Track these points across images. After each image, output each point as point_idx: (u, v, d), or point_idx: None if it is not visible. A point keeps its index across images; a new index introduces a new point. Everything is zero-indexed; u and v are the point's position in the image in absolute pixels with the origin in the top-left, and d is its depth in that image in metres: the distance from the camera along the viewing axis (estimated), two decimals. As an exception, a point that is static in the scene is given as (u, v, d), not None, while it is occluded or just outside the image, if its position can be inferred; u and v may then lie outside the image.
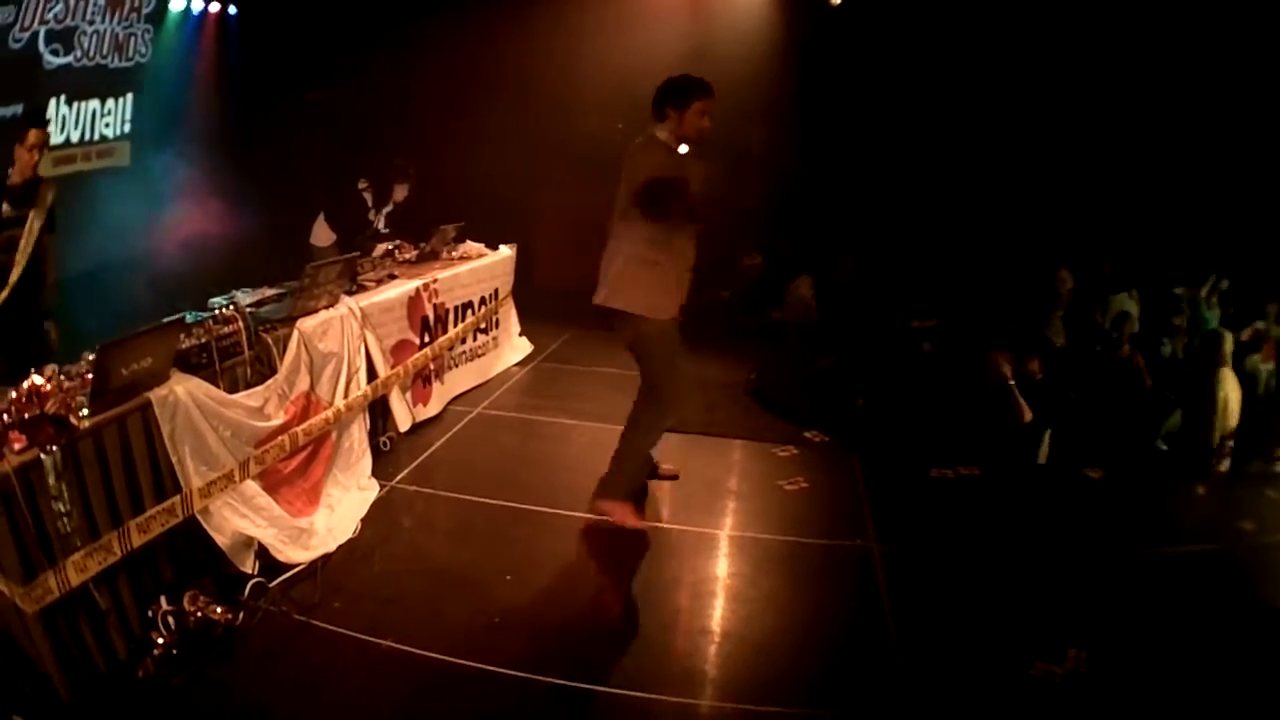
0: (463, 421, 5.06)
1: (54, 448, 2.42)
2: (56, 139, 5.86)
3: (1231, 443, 4.87)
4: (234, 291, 3.78)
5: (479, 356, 5.73)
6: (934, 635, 3.08)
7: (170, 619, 2.74)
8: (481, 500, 4.00)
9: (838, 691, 2.79)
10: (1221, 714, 2.73)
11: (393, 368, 4.48)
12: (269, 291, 3.90)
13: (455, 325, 5.29)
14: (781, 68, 7.49)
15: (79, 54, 5.92)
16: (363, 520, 3.74)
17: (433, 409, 5.03)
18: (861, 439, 4.90)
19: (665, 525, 3.86)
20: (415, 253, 5.38)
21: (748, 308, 7.42)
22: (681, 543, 3.73)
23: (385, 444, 4.46)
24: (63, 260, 4.34)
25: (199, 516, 2.97)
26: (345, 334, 4.02)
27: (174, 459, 2.88)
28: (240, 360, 3.41)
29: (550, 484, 4.15)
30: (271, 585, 3.16)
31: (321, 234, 6.22)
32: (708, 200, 3.58)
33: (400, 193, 6.32)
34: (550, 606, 3.22)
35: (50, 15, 5.62)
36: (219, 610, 2.85)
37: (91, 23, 5.97)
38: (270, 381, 3.44)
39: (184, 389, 2.93)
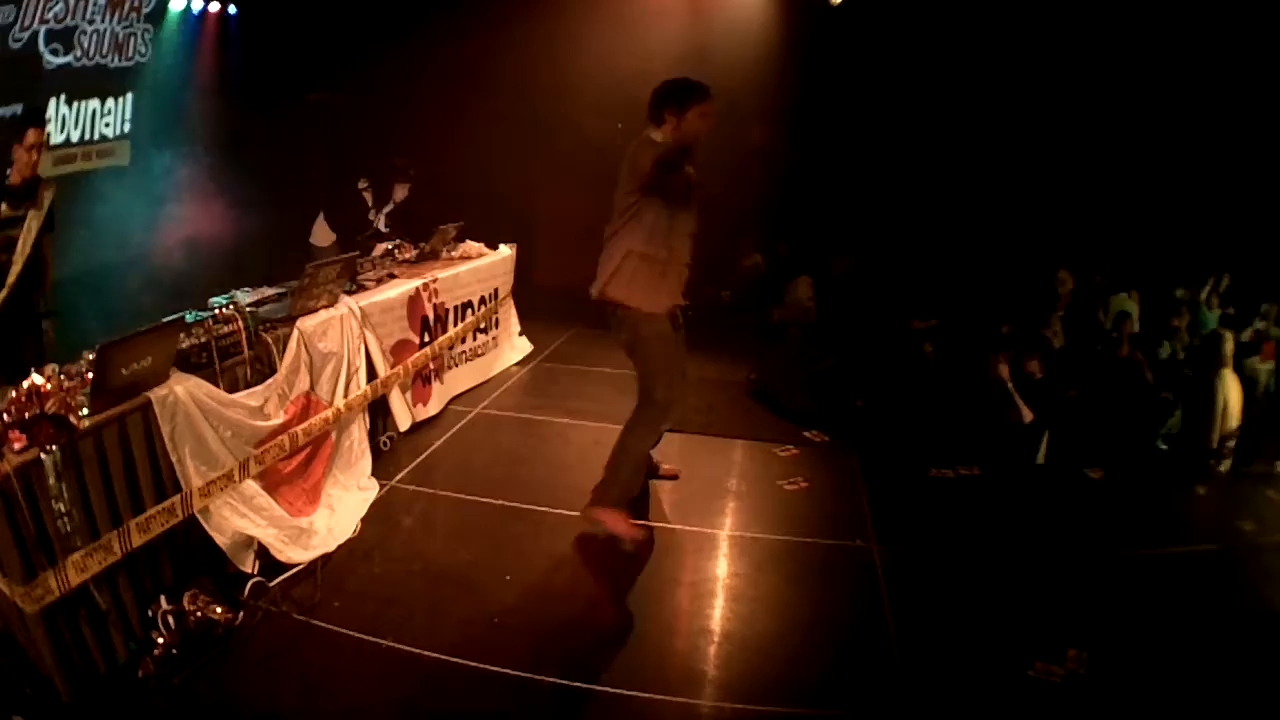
0: (463, 421, 5.05)
1: (54, 447, 2.43)
2: (57, 138, 5.85)
3: (1232, 443, 4.87)
4: (234, 291, 3.78)
5: (479, 356, 5.73)
6: (934, 635, 3.09)
7: (170, 619, 2.74)
8: (481, 500, 4.00)
9: (838, 691, 2.79)
10: (1221, 714, 2.73)
11: (393, 367, 4.48)
12: (269, 291, 3.89)
13: (455, 325, 5.29)
14: (781, 68, 7.49)
15: (79, 53, 5.91)
16: (363, 520, 3.74)
17: (433, 409, 5.03)
18: (861, 439, 4.90)
19: (665, 525, 3.86)
20: (415, 252, 5.38)
21: (748, 308, 7.42)
22: (681, 542, 3.73)
23: (385, 444, 4.46)
24: (63, 259, 4.33)
25: (199, 516, 2.97)
26: (345, 333, 4.02)
27: (174, 459, 2.88)
28: (240, 360, 3.41)
29: (550, 483, 4.15)
30: (271, 585, 3.16)
31: (321, 234, 6.22)
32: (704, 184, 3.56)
33: (400, 193, 6.32)
34: (550, 606, 3.22)
35: (50, 15, 5.61)
36: (219, 610, 2.86)
37: (91, 22, 5.97)
38: (270, 381, 3.44)
39: (184, 389, 2.93)
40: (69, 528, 2.47)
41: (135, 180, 6.54)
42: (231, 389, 3.28)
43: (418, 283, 4.87)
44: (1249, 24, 6.64)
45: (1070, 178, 7.41)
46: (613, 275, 3.52)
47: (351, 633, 2.95)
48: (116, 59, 6.27)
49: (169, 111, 6.85)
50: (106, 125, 6.33)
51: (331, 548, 3.47)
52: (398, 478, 4.19)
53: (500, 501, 3.99)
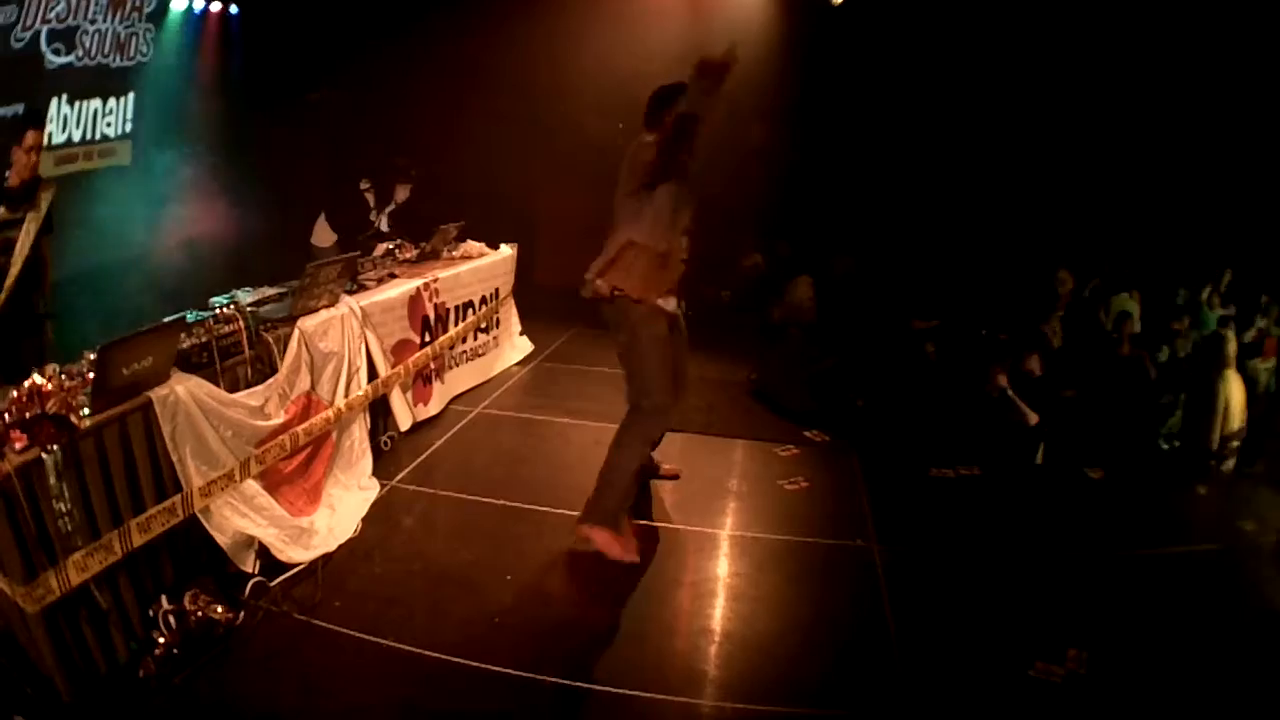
0: (463, 421, 5.06)
1: (55, 447, 2.43)
2: (58, 138, 5.85)
3: (1235, 443, 4.88)
4: (235, 291, 3.78)
5: (479, 356, 5.73)
6: (934, 635, 3.09)
7: (171, 618, 2.74)
8: (482, 500, 4.01)
9: (838, 691, 2.79)
10: (1221, 714, 2.73)
11: (393, 367, 4.48)
12: (270, 291, 3.89)
13: (456, 324, 5.30)
14: (781, 68, 7.48)
15: (80, 53, 5.91)
16: (363, 520, 3.74)
17: (433, 408, 5.04)
18: (862, 439, 4.90)
19: (666, 525, 3.86)
20: (416, 252, 5.38)
21: (748, 308, 7.42)
22: (682, 542, 3.73)
23: (386, 443, 4.46)
24: (64, 259, 4.33)
25: (200, 516, 2.97)
26: (346, 333, 4.02)
27: (175, 458, 2.88)
28: (241, 360, 3.41)
29: (551, 483, 4.15)
30: (272, 585, 3.16)
31: (323, 234, 6.22)
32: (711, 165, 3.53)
33: (402, 193, 6.32)
34: (551, 606, 3.22)
35: (52, 14, 5.61)
36: (220, 610, 2.86)
37: (93, 22, 5.97)
38: (271, 381, 3.45)
39: (185, 388, 2.93)
40: (70, 527, 2.47)
41: (137, 180, 6.54)
42: (232, 389, 3.28)
43: (418, 282, 4.87)
44: (1248, 23, 6.63)
45: (1070, 178, 7.41)
46: (610, 264, 3.48)
47: (352, 632, 2.95)
48: (118, 59, 6.27)
49: (171, 111, 6.85)
50: (108, 125, 6.33)
51: (332, 547, 3.47)
52: (398, 477, 4.20)
53: (501, 501, 3.99)
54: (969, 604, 3.32)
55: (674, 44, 7.11)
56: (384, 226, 6.28)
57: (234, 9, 7.37)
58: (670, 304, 3.57)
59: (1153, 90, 7.06)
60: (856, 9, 7.65)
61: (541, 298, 6.86)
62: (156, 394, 2.83)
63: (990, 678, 2.86)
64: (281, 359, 3.55)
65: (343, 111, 7.94)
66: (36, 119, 4.06)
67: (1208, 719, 2.73)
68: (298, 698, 2.64)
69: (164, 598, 2.79)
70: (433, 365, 5.01)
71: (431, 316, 4.98)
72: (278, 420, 3.42)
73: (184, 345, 3.12)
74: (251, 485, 3.24)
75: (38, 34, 5.57)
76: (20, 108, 5.30)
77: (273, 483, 3.41)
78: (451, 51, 7.64)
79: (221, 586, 2.99)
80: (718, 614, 3.19)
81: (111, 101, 6.32)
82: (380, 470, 4.17)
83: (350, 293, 4.29)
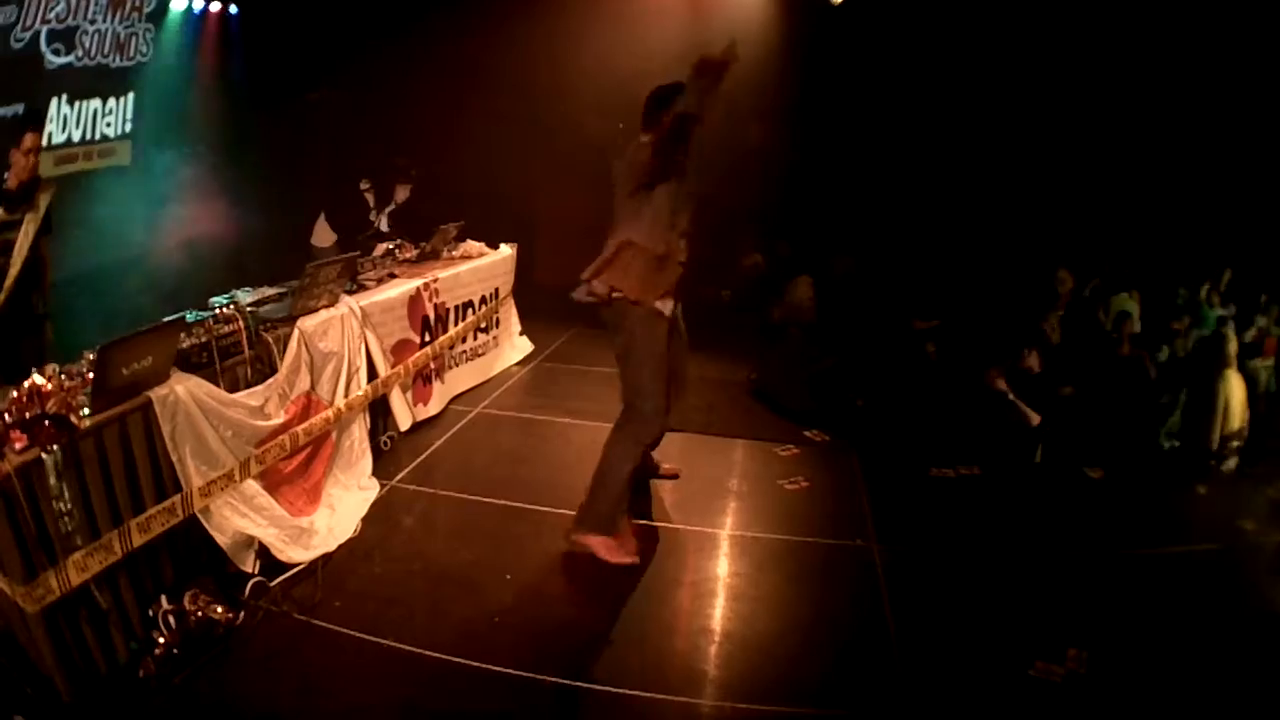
0: (463, 421, 5.06)
1: (55, 447, 2.43)
2: (58, 138, 5.86)
3: (1235, 444, 4.87)
4: (235, 291, 3.78)
5: (479, 356, 5.73)
6: (934, 635, 3.09)
7: (171, 618, 2.74)
8: (482, 500, 4.01)
9: (838, 691, 2.79)
10: (1221, 714, 2.73)
11: (393, 367, 4.48)
12: (269, 291, 3.89)
13: (456, 324, 5.30)
14: (781, 68, 7.48)
15: (80, 53, 5.92)
16: (363, 520, 3.74)
17: (433, 408, 5.04)
18: (862, 439, 4.90)
19: (666, 525, 3.86)
20: (416, 252, 5.38)
21: (748, 307, 7.41)
22: (682, 542, 3.73)
23: (386, 443, 4.46)
24: (63, 260, 4.33)
25: (199, 516, 2.97)
26: (346, 333, 4.02)
27: (174, 458, 2.88)
28: (241, 360, 3.41)
29: (551, 483, 4.15)
30: (272, 585, 3.16)
31: (323, 234, 6.22)
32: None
33: (402, 193, 6.32)
34: (551, 606, 3.23)
35: (52, 14, 5.61)
36: (220, 610, 2.86)
37: (93, 22, 5.97)
38: (271, 381, 3.45)
39: (185, 388, 2.93)
40: (70, 527, 2.47)
41: (136, 180, 6.55)
42: (232, 389, 3.28)
43: (418, 282, 4.87)
44: (1248, 22, 6.63)
45: (1070, 177, 7.41)
46: (607, 264, 3.45)
47: (352, 632, 2.95)
48: (118, 59, 6.27)
49: (170, 111, 6.86)
50: (108, 125, 6.34)
51: (332, 547, 3.47)
52: (398, 477, 4.20)
53: (501, 501, 3.99)
54: (969, 604, 3.32)
55: (674, 44, 7.11)
56: (384, 226, 6.28)
57: (234, 9, 7.37)
58: (668, 307, 3.52)
59: (1152, 90, 7.06)
60: (856, 9, 7.65)
61: (541, 297, 6.84)
62: (156, 394, 2.83)
63: (990, 677, 2.86)
64: (281, 359, 3.55)
65: (343, 111, 7.94)
66: (35, 120, 4.06)
67: (1207, 719, 2.73)
68: (298, 698, 2.64)
69: (164, 598, 2.79)
70: (432, 365, 5.01)
71: (431, 316, 4.98)
72: (277, 420, 3.42)
73: (184, 345, 3.12)
74: (251, 485, 3.24)
75: (37, 34, 5.57)
76: (20, 108, 5.31)
77: (272, 483, 3.41)
78: (451, 51, 7.64)
79: (221, 586, 2.99)
80: (718, 614, 3.19)
81: (111, 101, 6.33)
82: (380, 470, 4.17)
83: (350, 293, 4.29)
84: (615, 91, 6.72)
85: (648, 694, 2.73)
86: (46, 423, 2.42)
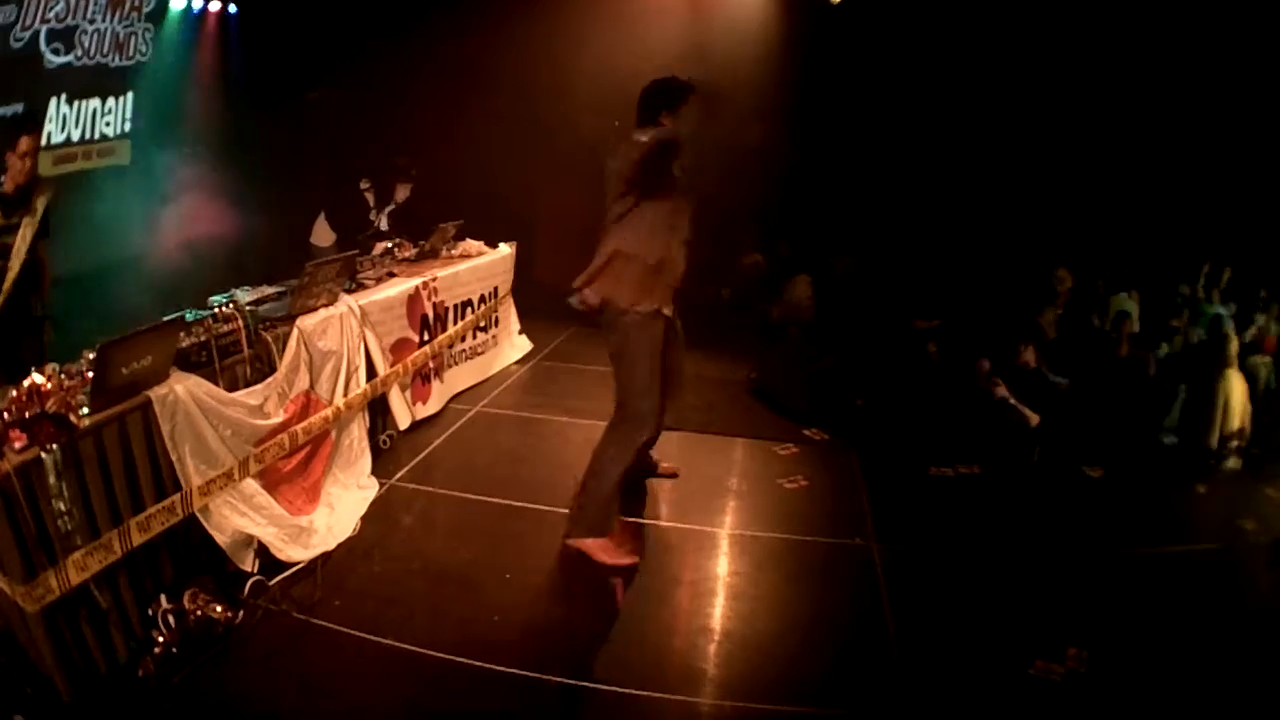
0: (462, 420, 5.06)
1: (54, 446, 2.43)
2: (57, 138, 5.86)
3: (1235, 442, 4.87)
4: (234, 290, 3.78)
5: (478, 354, 5.73)
6: (934, 634, 3.09)
7: (170, 618, 2.74)
8: (481, 498, 4.01)
9: (838, 690, 2.79)
10: (1221, 713, 2.73)
11: (392, 366, 4.48)
12: (269, 290, 3.89)
13: (455, 323, 5.29)
14: (781, 67, 7.48)
15: (80, 53, 5.92)
16: (362, 518, 3.74)
17: (432, 407, 5.03)
18: (861, 438, 4.90)
19: (665, 524, 3.86)
20: (415, 251, 5.38)
21: (748, 307, 7.41)
22: (681, 541, 3.73)
23: (385, 442, 4.46)
24: (62, 259, 4.33)
25: (199, 515, 2.97)
26: (345, 332, 4.02)
27: (174, 457, 2.88)
28: (240, 359, 3.41)
29: (550, 482, 4.14)
30: (271, 584, 3.16)
31: (322, 234, 6.22)
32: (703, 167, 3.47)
33: (402, 193, 6.32)
34: (550, 605, 3.23)
35: (51, 14, 5.62)
36: (219, 609, 2.86)
37: (92, 21, 5.98)
38: (270, 380, 3.44)
39: (184, 387, 2.93)
40: (69, 527, 2.47)
41: (136, 179, 6.56)
42: (231, 388, 3.28)
43: (417, 281, 4.87)
44: (1247, 22, 6.63)
45: (1070, 177, 7.40)
46: (598, 274, 3.42)
47: (352, 631, 2.95)
48: (117, 58, 6.28)
49: (169, 111, 6.86)
50: (107, 124, 6.34)
51: (331, 546, 3.47)
52: (397, 476, 4.20)
53: (500, 500, 3.99)
54: (969, 602, 3.32)
55: (674, 44, 7.13)
56: (384, 226, 6.29)
57: (233, 8, 7.37)
58: (667, 309, 3.50)
59: (1151, 89, 7.06)
60: (856, 9, 7.65)
61: (540, 296, 6.84)
62: (155, 393, 2.83)
63: (990, 676, 2.86)
64: (280, 358, 3.55)
65: (343, 111, 7.94)
66: (32, 123, 4.04)
67: (1207, 718, 2.73)
68: (297, 697, 2.64)
69: (163, 597, 2.79)
70: (432, 364, 5.01)
71: (430, 315, 4.98)
72: (277, 419, 3.42)
73: (183, 344, 3.11)
74: (250, 484, 3.24)
75: (37, 34, 5.58)
76: (19, 107, 5.31)
77: (272, 482, 3.41)
78: (451, 51, 7.64)
79: (221, 585, 2.99)
80: (717, 612, 3.19)
81: (110, 101, 6.33)
82: (379, 469, 4.17)
83: (349, 291, 4.29)
84: (615, 91, 6.70)
85: (647, 693, 2.72)
86: (46, 422, 2.42)
